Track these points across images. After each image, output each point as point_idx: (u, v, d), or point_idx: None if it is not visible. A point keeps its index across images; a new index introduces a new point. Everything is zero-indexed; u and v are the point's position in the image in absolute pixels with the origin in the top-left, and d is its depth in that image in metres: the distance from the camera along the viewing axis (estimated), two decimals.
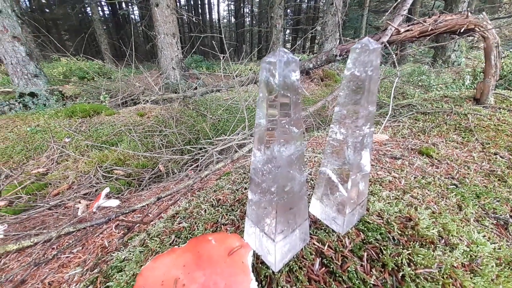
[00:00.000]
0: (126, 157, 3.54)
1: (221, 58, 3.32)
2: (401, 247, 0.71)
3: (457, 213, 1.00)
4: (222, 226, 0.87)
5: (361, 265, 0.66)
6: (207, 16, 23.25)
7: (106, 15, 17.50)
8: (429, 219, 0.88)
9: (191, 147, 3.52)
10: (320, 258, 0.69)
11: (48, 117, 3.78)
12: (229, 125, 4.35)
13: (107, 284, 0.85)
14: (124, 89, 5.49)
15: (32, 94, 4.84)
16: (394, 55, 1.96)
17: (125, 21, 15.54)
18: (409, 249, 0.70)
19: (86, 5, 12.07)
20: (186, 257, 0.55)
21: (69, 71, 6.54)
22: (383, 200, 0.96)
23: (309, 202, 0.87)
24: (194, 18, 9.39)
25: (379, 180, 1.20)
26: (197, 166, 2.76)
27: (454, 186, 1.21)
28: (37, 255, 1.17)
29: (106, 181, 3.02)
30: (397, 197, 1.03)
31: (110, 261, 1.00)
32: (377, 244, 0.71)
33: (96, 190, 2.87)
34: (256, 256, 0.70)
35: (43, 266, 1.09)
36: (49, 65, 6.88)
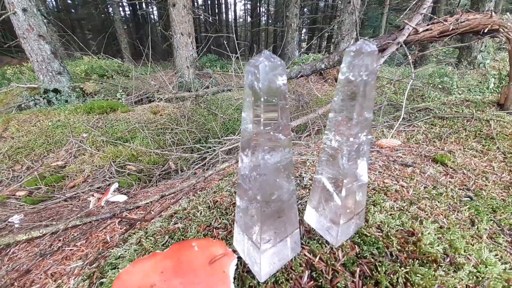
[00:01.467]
0: (139, 153, 3.65)
1: (232, 58, 3.32)
2: (399, 264, 0.66)
3: (468, 228, 0.93)
4: (214, 229, 0.86)
5: (353, 282, 0.62)
6: (224, 15, 23.46)
7: (127, 15, 18.18)
8: (435, 235, 0.82)
9: (200, 146, 3.56)
10: (310, 271, 0.66)
11: (68, 113, 3.98)
12: (239, 124, 4.35)
13: (101, 280, 0.87)
14: (140, 87, 5.66)
15: (56, 91, 5.11)
16: (409, 56, 1.86)
17: (145, 21, 16.04)
18: (407, 267, 0.65)
19: (109, 6, 12.59)
20: (166, 263, 0.54)
21: (90, 69, 6.85)
22: (385, 212, 0.91)
23: (305, 210, 0.84)
24: (210, 18, 9.50)
25: (385, 188, 1.14)
26: (204, 165, 2.79)
27: (468, 199, 1.12)
28: (44, 246, 1.23)
29: (119, 176, 3.12)
30: (402, 208, 0.97)
31: (108, 257, 1.03)
32: (372, 260, 0.67)
33: (109, 184, 2.97)
34: (244, 264, 0.68)
35: (48, 257, 1.14)
36: (72, 63, 7.25)
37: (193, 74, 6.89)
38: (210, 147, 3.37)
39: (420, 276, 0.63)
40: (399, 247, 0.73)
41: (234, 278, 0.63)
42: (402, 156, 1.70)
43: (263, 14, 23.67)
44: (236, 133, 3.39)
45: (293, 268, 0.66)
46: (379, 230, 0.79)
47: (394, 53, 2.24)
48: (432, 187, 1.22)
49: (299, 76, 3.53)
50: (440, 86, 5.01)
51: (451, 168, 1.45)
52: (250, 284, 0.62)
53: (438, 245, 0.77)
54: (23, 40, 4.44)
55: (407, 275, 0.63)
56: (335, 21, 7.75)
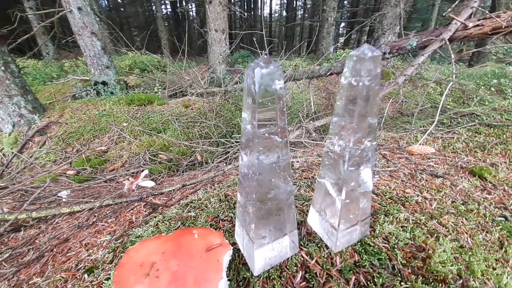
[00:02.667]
0: (170, 144, 3.91)
1: (261, 55, 3.35)
2: (399, 278, 0.63)
3: (495, 251, 0.83)
4: (220, 221, 0.91)
5: None
6: (259, 10, 23.40)
7: (168, 13, 19.29)
8: (451, 254, 0.75)
9: (225, 140, 3.67)
10: (304, 272, 0.66)
11: (112, 104, 4.41)
12: None
13: (122, 254, 0.98)
14: (175, 82, 6.01)
15: (104, 83, 5.69)
16: (452, 55, 1.67)
17: (184, 18, 16.84)
18: (408, 282, 0.62)
19: (152, 4, 13.52)
20: (168, 245, 0.60)
21: (133, 63, 7.47)
22: (396, 223, 0.86)
23: (308, 212, 0.84)
24: (244, 14, 9.59)
25: (403, 199, 1.07)
26: (226, 159, 2.88)
27: (503, 219, 1.00)
28: (82, 219, 1.42)
29: (152, 164, 3.40)
30: (418, 221, 0.91)
31: (131, 235, 1.15)
32: (371, 270, 0.65)
33: (142, 170, 3.25)
34: (241, 257, 0.72)
35: (84, 230, 1.32)
36: (118, 58, 7.98)
37: (224, 70, 7.07)
38: (234, 142, 3.46)
39: None
40: (404, 261, 0.69)
41: (229, 268, 0.67)
42: (433, 166, 1.56)
43: (299, 8, 23.05)
44: None
45: (288, 267, 0.68)
46: (386, 241, 0.76)
47: (435, 51, 2.04)
48: (462, 202, 1.11)
49: (328, 74, 3.41)
50: (493, 89, 4.38)
51: (490, 183, 1.30)
52: (244, 275, 0.65)
53: (451, 265, 0.71)
54: (78, 37, 5.01)
55: None
56: (376, 14, 7.22)
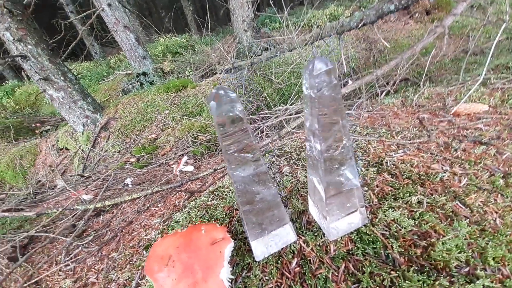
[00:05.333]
0: (207, 125, 4.18)
1: (280, 18, 3.08)
2: (390, 267, 0.66)
3: None
4: (234, 210, 1.04)
5: (335, 275, 0.68)
6: None
7: None
8: (464, 239, 0.72)
9: (256, 117, 3.72)
10: (300, 258, 0.75)
11: (153, 94, 4.83)
12: (295, 89, 4.21)
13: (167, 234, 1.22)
14: (204, 61, 6.11)
15: (144, 74, 6.17)
16: None
17: None
18: (398, 271, 0.64)
19: None
20: (181, 240, 0.75)
21: (165, 48, 7.77)
22: (404, 208, 0.83)
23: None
24: None
25: (424, 177, 1.00)
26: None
27: None
28: (140, 205, 1.77)
29: (194, 145, 3.75)
30: (434, 204, 0.85)
31: (173, 219, 1.40)
32: (362, 258, 0.69)
33: (187, 153, 3.64)
34: (247, 244, 0.84)
35: (142, 213, 1.65)
36: (152, 46, 8.38)
37: (251, 37, 6.76)
38: (264, 118, 3.49)
39: (409, 284, 0.61)
40: (401, 250, 0.70)
41: (236, 254, 0.80)
42: (481, 129, 1.35)
43: None
44: (289, 103, 3.33)
45: (285, 254, 0.77)
46: (387, 229, 0.76)
47: None
48: (502, 175, 0.97)
49: (361, 25, 2.98)
50: None
51: None
52: (247, 261, 0.78)
53: (459, 252, 0.68)
54: (114, 33, 5.41)
55: (395, 280, 0.63)
56: None
